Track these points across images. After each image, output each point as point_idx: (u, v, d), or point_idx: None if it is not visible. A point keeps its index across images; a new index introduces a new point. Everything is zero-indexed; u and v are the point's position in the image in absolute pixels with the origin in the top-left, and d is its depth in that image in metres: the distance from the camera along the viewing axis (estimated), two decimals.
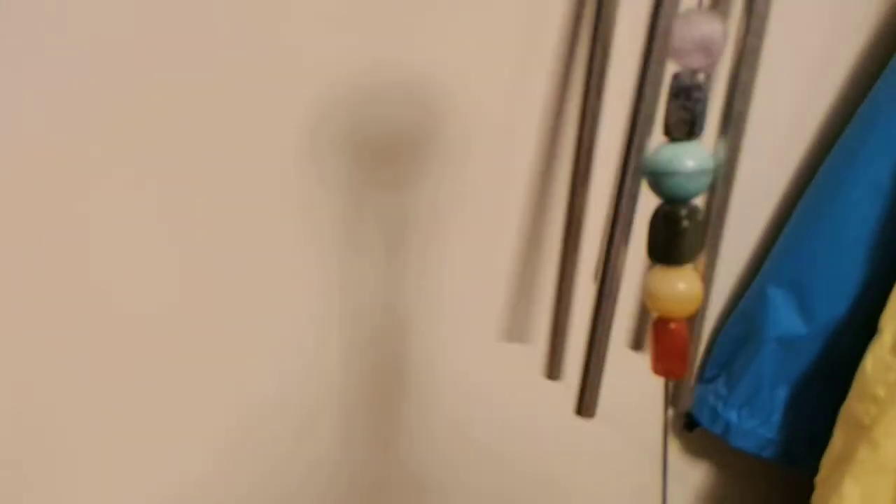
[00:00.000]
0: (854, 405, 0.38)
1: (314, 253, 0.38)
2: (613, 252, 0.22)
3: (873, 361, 0.38)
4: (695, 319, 0.22)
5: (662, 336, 0.22)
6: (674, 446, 0.52)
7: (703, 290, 0.22)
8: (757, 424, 0.46)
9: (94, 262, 0.34)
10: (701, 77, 0.20)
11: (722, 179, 0.22)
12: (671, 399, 0.34)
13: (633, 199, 0.21)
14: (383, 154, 0.37)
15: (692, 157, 0.20)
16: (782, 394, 0.45)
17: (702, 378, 0.49)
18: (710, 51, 0.19)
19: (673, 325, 0.22)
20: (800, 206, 0.44)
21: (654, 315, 0.22)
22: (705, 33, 0.19)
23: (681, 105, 0.20)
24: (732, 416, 0.46)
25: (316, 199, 0.37)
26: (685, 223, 0.21)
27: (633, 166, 0.21)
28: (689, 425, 0.50)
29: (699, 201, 0.21)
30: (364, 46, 0.35)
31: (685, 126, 0.20)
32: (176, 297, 0.36)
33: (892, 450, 0.36)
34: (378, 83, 0.35)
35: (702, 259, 0.22)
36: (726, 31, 0.19)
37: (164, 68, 0.32)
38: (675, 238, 0.21)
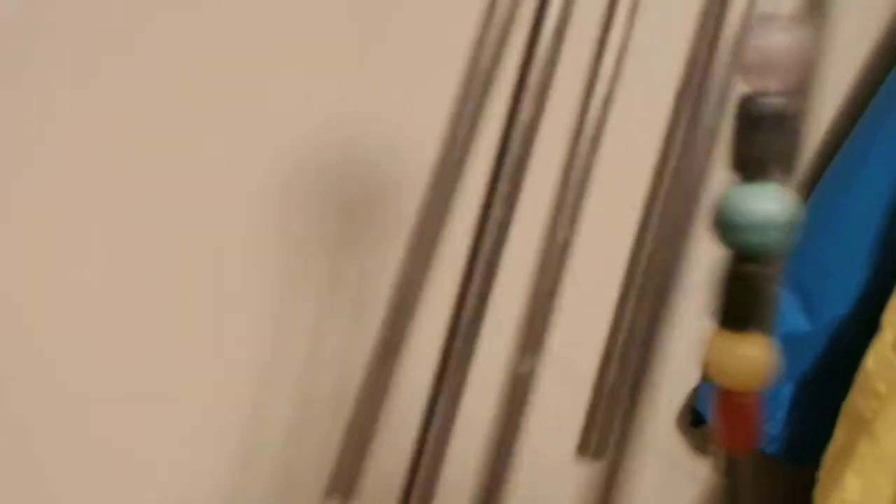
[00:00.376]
0: (856, 400, 0.40)
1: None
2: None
3: (875, 358, 0.39)
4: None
5: (730, 410, 0.19)
6: (682, 442, 0.53)
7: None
8: (767, 423, 0.47)
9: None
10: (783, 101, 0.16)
11: None
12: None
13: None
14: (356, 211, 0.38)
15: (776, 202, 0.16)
16: (787, 391, 0.47)
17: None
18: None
19: (744, 399, 0.18)
20: (805, 210, 0.46)
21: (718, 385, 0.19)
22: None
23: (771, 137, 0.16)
24: None
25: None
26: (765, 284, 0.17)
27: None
28: (695, 422, 0.51)
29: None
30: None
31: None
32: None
33: (892, 444, 0.38)
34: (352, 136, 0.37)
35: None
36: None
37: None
38: (753, 300, 0.17)
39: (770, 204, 0.16)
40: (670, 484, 0.53)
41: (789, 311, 0.45)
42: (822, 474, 0.42)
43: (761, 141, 0.15)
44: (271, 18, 0.36)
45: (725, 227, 0.17)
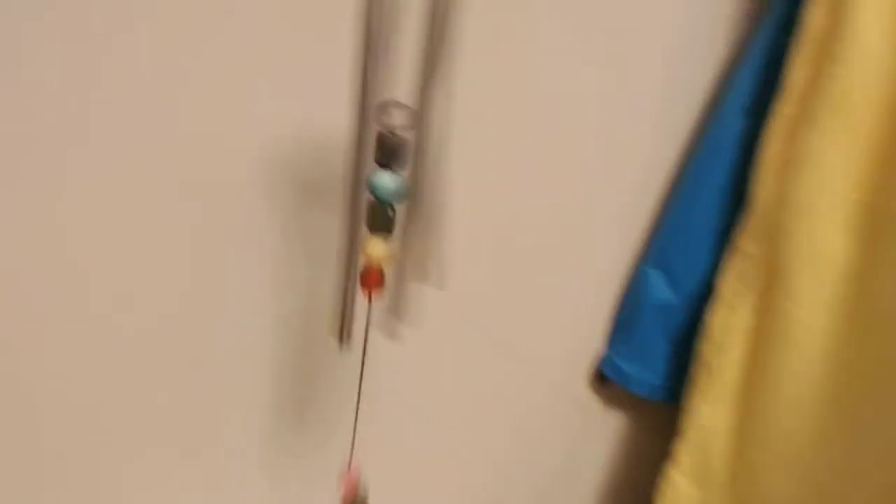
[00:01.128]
0: (703, 348, 0.53)
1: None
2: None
3: (714, 315, 0.53)
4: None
5: (369, 276, 0.36)
6: (596, 395, 0.66)
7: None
8: (648, 373, 0.60)
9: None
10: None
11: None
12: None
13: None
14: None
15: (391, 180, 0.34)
16: (663, 349, 0.60)
17: (609, 341, 0.64)
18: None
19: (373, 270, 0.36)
20: (666, 201, 0.59)
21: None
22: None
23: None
24: (629, 368, 0.61)
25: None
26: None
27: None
28: (601, 379, 0.64)
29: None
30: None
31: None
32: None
33: (727, 376, 0.51)
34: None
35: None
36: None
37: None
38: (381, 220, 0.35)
39: (387, 180, 0.33)
40: (576, 428, 0.66)
41: (658, 287, 0.58)
42: (685, 407, 0.55)
43: (384, 152, 0.33)
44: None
45: (372, 188, 0.34)
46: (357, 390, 0.39)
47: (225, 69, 0.46)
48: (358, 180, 0.34)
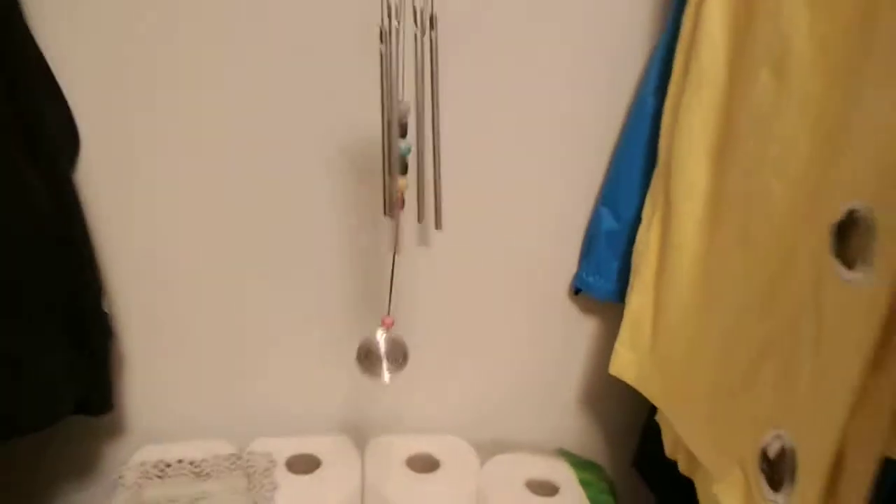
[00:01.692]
0: (633, 258, 0.77)
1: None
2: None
3: (639, 233, 0.76)
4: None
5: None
6: (574, 303, 0.90)
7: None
8: (604, 282, 0.84)
9: None
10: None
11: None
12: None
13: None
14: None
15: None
16: (615, 264, 0.83)
17: (579, 262, 0.87)
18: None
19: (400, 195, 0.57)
20: (611, 159, 0.82)
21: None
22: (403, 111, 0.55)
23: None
24: (592, 280, 0.85)
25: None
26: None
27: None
28: (575, 290, 0.88)
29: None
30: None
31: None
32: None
33: (646, 275, 0.74)
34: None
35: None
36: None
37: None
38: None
39: (403, 143, 0.55)
40: (561, 326, 0.90)
41: (608, 219, 0.81)
42: (626, 302, 0.78)
43: (401, 129, 0.55)
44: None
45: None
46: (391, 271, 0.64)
47: (308, 95, 0.72)
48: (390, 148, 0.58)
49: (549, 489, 0.81)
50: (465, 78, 0.74)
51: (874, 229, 0.44)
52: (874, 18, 0.46)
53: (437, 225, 0.62)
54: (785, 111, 0.55)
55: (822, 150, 0.51)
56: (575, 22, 0.77)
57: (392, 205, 0.58)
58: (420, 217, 0.61)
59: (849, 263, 0.47)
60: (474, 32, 0.75)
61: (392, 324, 0.61)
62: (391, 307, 0.62)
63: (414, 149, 0.58)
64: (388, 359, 0.61)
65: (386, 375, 0.61)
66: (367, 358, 0.61)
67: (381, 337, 0.61)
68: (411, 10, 0.56)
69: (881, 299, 0.44)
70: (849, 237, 0.47)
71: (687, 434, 0.68)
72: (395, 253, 0.59)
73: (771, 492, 0.53)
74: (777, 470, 0.53)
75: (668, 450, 0.75)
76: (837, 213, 0.47)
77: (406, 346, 0.63)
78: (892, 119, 0.42)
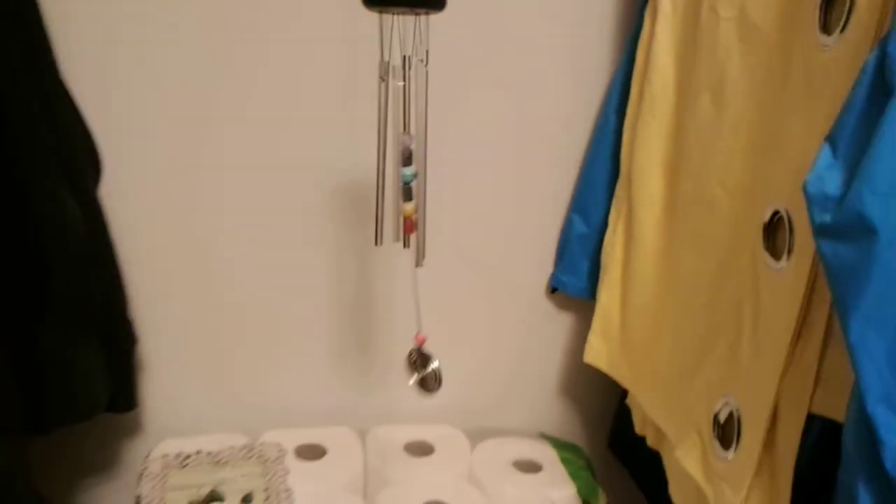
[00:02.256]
0: (602, 258, 0.87)
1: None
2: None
3: (606, 237, 0.86)
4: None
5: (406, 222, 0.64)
6: (551, 301, 0.99)
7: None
8: (576, 281, 0.94)
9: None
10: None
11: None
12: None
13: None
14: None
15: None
16: (585, 264, 0.93)
17: (555, 263, 0.97)
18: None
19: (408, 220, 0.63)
20: (580, 171, 0.92)
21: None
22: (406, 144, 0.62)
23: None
24: (566, 279, 0.95)
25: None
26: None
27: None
28: (552, 289, 0.98)
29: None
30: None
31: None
32: None
33: (613, 272, 0.84)
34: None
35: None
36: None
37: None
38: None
39: (407, 171, 0.62)
40: (541, 322, 0.99)
41: (578, 224, 0.91)
42: (596, 297, 0.88)
43: (404, 158, 0.62)
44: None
45: (402, 175, 0.63)
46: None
47: (312, 132, 0.81)
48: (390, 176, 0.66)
49: (533, 467, 0.90)
50: (452, 103, 0.84)
51: (791, 227, 0.54)
52: (790, 55, 0.57)
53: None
54: (723, 129, 0.65)
55: (754, 162, 0.62)
56: (547, 53, 0.87)
57: (404, 227, 0.64)
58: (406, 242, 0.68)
59: (776, 255, 0.57)
60: (458, 63, 0.85)
61: (424, 340, 0.69)
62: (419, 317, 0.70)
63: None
64: (423, 376, 0.69)
65: (412, 379, 0.69)
66: (416, 362, 0.69)
67: (435, 363, 0.71)
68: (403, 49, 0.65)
69: (800, 284, 0.54)
70: (776, 234, 0.58)
71: (652, 410, 0.78)
72: (417, 265, 0.66)
73: (722, 451, 0.63)
74: (726, 432, 0.63)
75: (638, 427, 0.85)
76: (765, 215, 0.58)
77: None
78: (800, 141, 0.53)
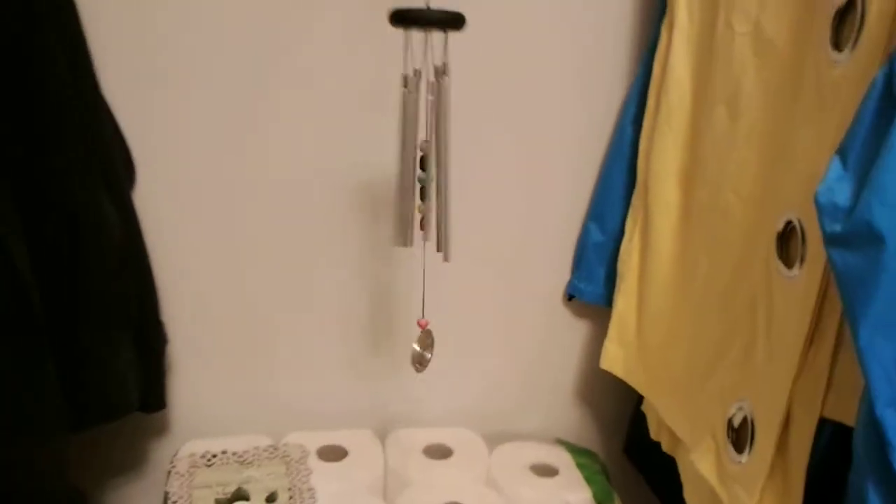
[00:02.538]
0: (619, 266, 0.88)
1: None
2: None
3: (622, 245, 0.88)
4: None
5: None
6: (568, 308, 1.01)
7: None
8: (593, 288, 0.95)
9: None
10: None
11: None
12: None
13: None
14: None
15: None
16: (602, 271, 0.95)
17: (572, 271, 0.99)
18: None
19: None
20: (597, 181, 0.94)
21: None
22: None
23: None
24: (583, 286, 0.96)
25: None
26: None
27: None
28: (568, 297, 1.00)
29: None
30: None
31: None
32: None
33: (629, 279, 0.86)
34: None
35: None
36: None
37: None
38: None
39: (422, 174, 0.63)
40: (558, 329, 1.01)
41: (595, 232, 0.93)
42: (613, 304, 0.90)
43: (421, 161, 0.63)
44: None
45: (418, 177, 0.64)
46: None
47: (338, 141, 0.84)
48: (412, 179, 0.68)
49: (549, 471, 0.92)
50: (469, 112, 0.86)
51: (804, 237, 0.56)
52: (803, 70, 0.58)
53: (445, 257, 0.69)
54: (737, 139, 0.67)
55: (767, 172, 0.63)
56: (564, 64, 0.90)
57: (421, 224, 0.67)
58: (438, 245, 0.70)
59: (789, 264, 0.59)
60: (476, 72, 0.87)
61: (426, 324, 0.71)
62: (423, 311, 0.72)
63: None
64: (422, 348, 0.71)
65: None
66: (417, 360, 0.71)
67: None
68: (428, 60, 0.68)
69: (812, 291, 0.56)
70: (789, 242, 0.59)
71: (667, 414, 0.79)
72: (423, 269, 0.68)
73: (736, 454, 0.65)
74: (740, 436, 0.65)
75: (653, 432, 0.86)
76: (778, 224, 0.59)
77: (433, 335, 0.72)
78: (811, 153, 0.54)
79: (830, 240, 0.46)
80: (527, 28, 0.88)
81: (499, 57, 0.88)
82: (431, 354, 0.71)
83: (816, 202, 0.47)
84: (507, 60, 0.88)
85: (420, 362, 0.70)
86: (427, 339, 0.71)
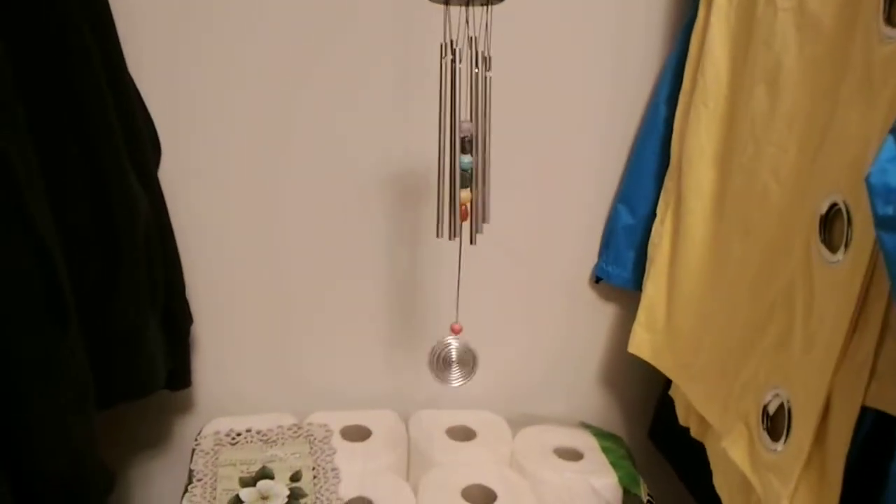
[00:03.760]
0: (649, 249, 0.87)
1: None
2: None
3: (654, 228, 0.86)
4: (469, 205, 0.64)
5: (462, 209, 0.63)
6: (594, 291, 1.00)
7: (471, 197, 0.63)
8: (621, 271, 0.94)
9: None
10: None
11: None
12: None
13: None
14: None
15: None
16: (631, 255, 0.93)
17: (599, 254, 0.97)
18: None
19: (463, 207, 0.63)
20: (627, 161, 0.92)
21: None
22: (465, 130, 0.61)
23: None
24: (611, 269, 0.95)
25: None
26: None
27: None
28: (596, 279, 0.99)
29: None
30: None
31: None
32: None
33: (660, 263, 0.84)
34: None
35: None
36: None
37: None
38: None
39: (465, 159, 0.61)
40: (583, 312, 1.00)
41: (624, 215, 0.92)
42: (642, 288, 0.88)
43: (463, 145, 0.61)
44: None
45: (461, 163, 0.62)
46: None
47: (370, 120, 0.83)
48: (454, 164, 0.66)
49: (574, 455, 0.91)
50: (496, 92, 0.84)
51: (850, 220, 0.54)
52: (849, 47, 0.56)
53: (472, 240, 0.67)
54: (778, 120, 0.65)
55: (809, 154, 0.61)
56: (595, 41, 0.88)
57: (461, 214, 0.63)
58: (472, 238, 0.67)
59: (832, 248, 0.57)
60: (504, 52, 0.85)
61: (460, 330, 0.68)
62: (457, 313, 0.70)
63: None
64: (459, 364, 0.68)
65: (456, 382, 0.67)
66: (438, 362, 0.68)
67: (452, 344, 0.67)
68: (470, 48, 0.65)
69: (857, 277, 0.54)
70: (832, 226, 0.57)
71: (697, 400, 0.78)
72: (459, 259, 0.65)
73: (771, 442, 0.63)
74: (776, 424, 0.63)
75: (681, 417, 0.85)
76: (822, 207, 0.57)
77: (476, 353, 0.69)
78: (858, 133, 0.52)
79: (882, 222, 0.44)
80: (559, 4, 0.86)
81: (529, 34, 0.86)
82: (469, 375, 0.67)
83: (868, 183, 0.45)
84: (537, 37, 0.86)
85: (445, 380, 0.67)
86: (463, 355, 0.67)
